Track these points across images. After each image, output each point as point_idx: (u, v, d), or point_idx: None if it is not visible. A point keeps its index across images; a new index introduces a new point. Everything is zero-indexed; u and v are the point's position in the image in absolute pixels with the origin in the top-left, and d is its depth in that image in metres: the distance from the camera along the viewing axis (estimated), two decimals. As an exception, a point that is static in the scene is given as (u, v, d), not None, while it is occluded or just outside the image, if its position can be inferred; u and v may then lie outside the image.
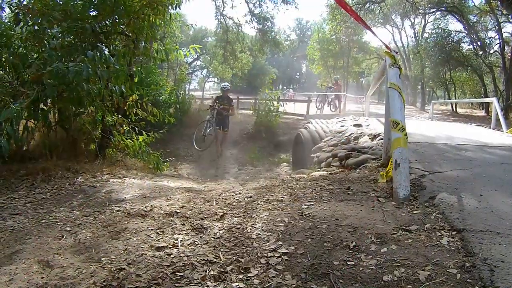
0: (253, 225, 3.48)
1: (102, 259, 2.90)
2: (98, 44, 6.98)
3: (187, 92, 24.48)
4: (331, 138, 9.36)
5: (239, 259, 2.81)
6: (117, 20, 7.67)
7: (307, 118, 18.01)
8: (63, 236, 3.46)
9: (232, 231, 3.38)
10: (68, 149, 6.81)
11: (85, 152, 7.16)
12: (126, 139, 7.54)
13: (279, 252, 2.88)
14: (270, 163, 14.91)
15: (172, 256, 2.88)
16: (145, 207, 4.33)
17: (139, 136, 7.81)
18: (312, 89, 46.66)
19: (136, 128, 7.80)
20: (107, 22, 7.62)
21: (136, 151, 7.75)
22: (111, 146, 7.55)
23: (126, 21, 7.66)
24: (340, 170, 6.36)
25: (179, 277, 2.56)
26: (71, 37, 7.04)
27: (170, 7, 8.44)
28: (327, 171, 6.43)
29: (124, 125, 7.57)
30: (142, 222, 3.82)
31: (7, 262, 2.94)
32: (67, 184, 5.40)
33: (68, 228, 3.69)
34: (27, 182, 5.38)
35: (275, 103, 18.62)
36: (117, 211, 4.23)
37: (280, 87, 64.94)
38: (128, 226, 3.67)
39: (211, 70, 45.77)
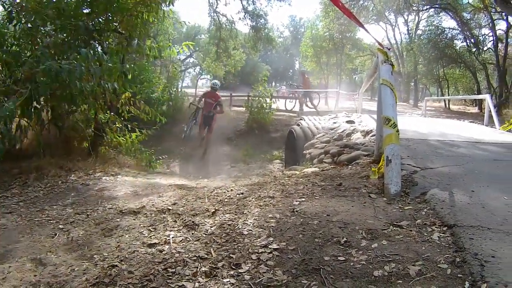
0: (244, 222, 3.50)
1: (95, 256, 2.93)
2: (91, 42, 6.97)
3: (180, 90, 24.41)
4: (323, 135, 9.38)
5: (231, 255, 2.83)
6: (110, 18, 7.67)
7: (300, 115, 18.02)
8: (56, 234, 3.48)
9: (224, 227, 3.40)
10: (61, 147, 6.81)
11: (78, 150, 7.15)
12: (119, 136, 7.55)
13: (270, 248, 2.90)
14: (262, 160, 14.92)
15: (164, 252, 2.91)
16: (138, 204, 4.35)
17: (131, 133, 7.81)
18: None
19: (129, 125, 7.81)
20: (100, 19, 7.62)
21: (128, 149, 7.76)
22: (104, 144, 7.56)
23: (120, 19, 7.67)
24: (332, 166, 6.38)
25: (170, 274, 2.58)
26: (64, 35, 7.02)
27: (163, 4, 8.43)
28: (319, 168, 6.45)
29: (117, 123, 7.58)
30: (134, 219, 3.84)
31: (0, 260, 2.96)
32: (60, 182, 5.41)
33: (61, 226, 3.71)
34: (20, 180, 5.39)
35: (267, 100, 18.61)
36: (110, 208, 4.25)
37: (273, 84, 64.85)
38: (120, 224, 3.70)
39: (204, 68, 45.61)
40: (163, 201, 4.50)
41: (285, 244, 2.97)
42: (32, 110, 6.02)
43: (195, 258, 2.79)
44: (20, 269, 2.75)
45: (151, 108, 8.25)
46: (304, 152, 9.00)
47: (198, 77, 58.24)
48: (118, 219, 3.84)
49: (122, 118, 7.75)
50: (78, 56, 6.08)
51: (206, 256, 2.83)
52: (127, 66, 7.60)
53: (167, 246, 3.04)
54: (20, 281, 2.60)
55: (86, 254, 2.98)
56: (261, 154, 15.68)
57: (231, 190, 4.94)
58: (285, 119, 19.63)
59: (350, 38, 42.16)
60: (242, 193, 4.67)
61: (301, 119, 12.95)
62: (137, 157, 7.88)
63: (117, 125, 7.57)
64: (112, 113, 7.61)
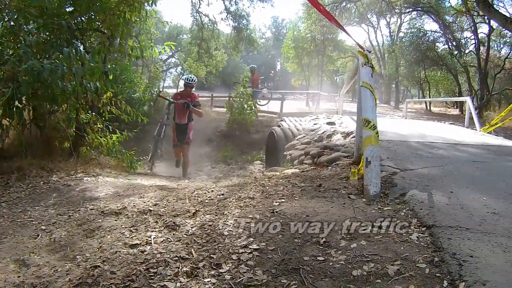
0: (225, 222, 3.55)
1: (77, 257, 2.95)
2: (73, 41, 6.95)
3: (161, 90, 24.33)
4: (304, 136, 9.44)
5: (211, 255, 2.87)
6: (92, 17, 7.66)
7: (281, 116, 18.05)
8: (38, 235, 3.49)
9: (204, 228, 3.45)
10: (43, 147, 6.77)
11: (60, 150, 7.12)
12: (100, 137, 7.54)
13: (250, 248, 2.95)
14: (243, 161, 14.94)
15: (145, 253, 2.95)
16: (119, 205, 4.37)
17: (112, 134, 7.80)
18: (286, 88, 46.74)
19: (110, 126, 7.80)
20: (82, 18, 7.60)
21: (110, 150, 7.75)
22: (85, 144, 7.53)
23: (102, 18, 7.67)
24: (312, 167, 6.44)
25: (152, 274, 2.62)
26: (47, 34, 7.00)
27: (146, 4, 8.44)
28: (299, 169, 6.50)
29: (98, 123, 7.57)
30: (116, 220, 3.86)
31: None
32: (42, 183, 5.40)
33: (43, 227, 3.71)
34: (2, 181, 5.36)
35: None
36: (91, 209, 4.26)
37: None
38: (102, 224, 3.72)
39: (185, 68, 45.44)
40: (144, 202, 4.54)
41: (265, 244, 3.01)
42: (14, 109, 5.99)
43: (176, 258, 2.83)
44: (3, 270, 2.76)
45: (132, 108, 8.23)
46: (285, 153, 9.05)
47: (179, 77, 57.95)
48: (100, 220, 3.86)
49: (103, 119, 7.74)
50: (60, 56, 6.08)
51: (187, 256, 2.88)
52: (109, 66, 7.59)
53: (148, 247, 3.08)
54: (4, 282, 2.62)
55: (68, 254, 3.00)
56: (242, 155, 15.70)
57: (212, 191, 4.98)
58: (266, 120, 19.64)
59: (332, 39, 42.23)
60: (222, 194, 4.72)
61: (282, 120, 13.00)
62: (118, 158, 7.87)
63: (99, 126, 7.56)
64: (93, 113, 7.59)
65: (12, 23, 6.61)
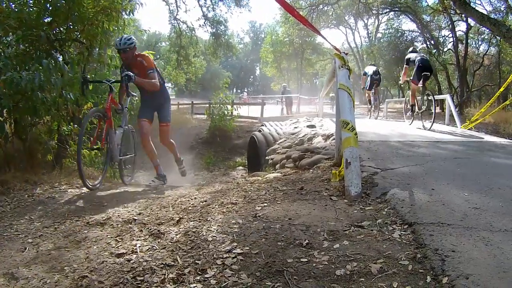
0: (208, 228, 3.60)
1: (65, 268, 2.97)
2: (52, 52, 6.96)
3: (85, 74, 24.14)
4: (285, 140, 9.54)
5: (196, 261, 2.92)
6: (71, 27, 7.66)
7: (261, 121, 18.13)
8: (25, 248, 3.49)
9: (189, 234, 3.49)
10: (26, 160, 6.75)
11: (42, 163, 7.10)
12: (82, 148, 7.53)
13: (234, 252, 3.00)
14: (226, 167, 15.01)
15: (131, 261, 2.99)
16: (104, 215, 4.40)
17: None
18: (266, 92, 46.86)
19: (91, 138, 7.79)
20: (61, 29, 7.61)
21: (92, 160, 7.75)
22: (68, 156, 7.52)
23: (80, 28, 7.68)
24: (294, 171, 6.53)
25: (139, 281, 2.66)
26: (26, 45, 7.00)
27: (124, 13, 8.45)
28: (281, 173, 6.58)
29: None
30: (101, 231, 3.88)
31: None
32: (26, 196, 5.39)
33: (30, 240, 3.71)
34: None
35: (228, 107, 18.68)
36: (77, 221, 4.26)
37: (234, 90, 64.72)
38: (88, 235, 3.74)
39: (165, 76, 45.33)
40: (129, 212, 4.56)
41: (248, 248, 3.07)
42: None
43: (162, 265, 2.88)
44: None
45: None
46: (267, 157, 9.13)
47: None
48: (86, 231, 3.88)
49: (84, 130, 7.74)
50: (39, 67, 6.09)
51: (172, 263, 2.92)
52: (88, 76, 7.60)
53: (134, 255, 3.11)
54: (-6, 295, 2.65)
55: (56, 266, 3.02)
56: (224, 161, 15.78)
57: (195, 198, 5.03)
58: (247, 125, 19.70)
59: (310, 43, 42.55)
60: (205, 201, 4.76)
61: (262, 125, 13.08)
62: (101, 169, 7.86)
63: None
64: (75, 125, 7.59)
65: (-10, 35, 6.62)
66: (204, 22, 32.25)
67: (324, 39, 6.21)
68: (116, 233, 3.76)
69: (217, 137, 17.98)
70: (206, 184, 7.81)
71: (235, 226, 3.59)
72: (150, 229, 3.77)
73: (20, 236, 3.86)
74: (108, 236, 3.68)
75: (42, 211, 4.73)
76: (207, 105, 23.28)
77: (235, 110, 19.89)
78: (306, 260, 2.82)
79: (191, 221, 3.94)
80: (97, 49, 8.37)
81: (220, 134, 18.12)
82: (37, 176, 6.29)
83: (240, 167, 14.42)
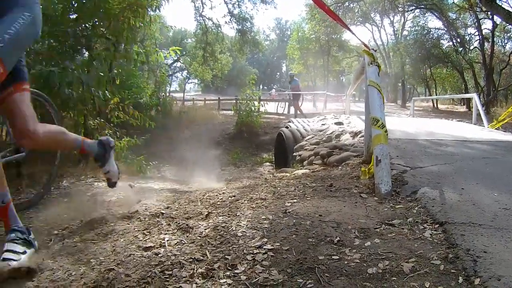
0: (238, 223, 3.53)
1: (91, 260, 2.93)
2: (79, 48, 6.97)
3: (168, 94, 24.39)
4: (312, 137, 9.43)
5: (226, 256, 2.85)
6: (97, 23, 7.66)
7: (288, 118, 18.07)
8: (51, 240, 3.49)
9: (218, 229, 3.42)
10: (52, 153, 6.78)
11: (68, 155, 7.12)
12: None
13: (264, 248, 2.93)
14: (252, 162, 14.94)
15: (159, 255, 2.92)
16: (131, 209, 4.37)
17: (121, 140, 7.80)
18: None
19: (118, 131, 7.80)
20: (87, 25, 7.61)
21: (119, 154, 7.75)
22: (94, 149, 7.53)
23: (106, 24, 7.67)
24: (322, 168, 6.43)
25: (167, 276, 2.60)
26: (52, 41, 7.01)
27: (149, 9, 8.46)
28: (309, 169, 6.49)
29: (106, 129, 7.57)
30: (128, 224, 3.85)
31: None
32: (52, 188, 5.41)
33: (55, 232, 3.70)
34: (12, 187, 5.35)
35: (256, 103, 18.64)
36: (103, 213, 4.25)
37: (261, 87, 64.88)
38: (115, 228, 3.70)
39: (191, 72, 45.56)
40: (156, 205, 4.51)
41: (279, 244, 2.99)
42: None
43: (191, 260, 2.81)
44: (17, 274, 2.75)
45: (140, 113, 8.24)
46: (294, 154, 9.04)
47: (185, 81, 58.14)
48: (113, 224, 3.85)
49: (111, 124, 7.74)
50: (67, 63, 6.08)
51: (201, 258, 2.85)
52: (115, 71, 7.59)
53: (162, 249, 3.05)
54: (18, 286, 2.61)
55: (82, 258, 2.98)
56: (251, 157, 15.73)
57: (223, 193, 4.95)
58: (274, 121, 19.69)
59: (336, 40, 42.37)
60: (234, 196, 4.70)
61: (290, 121, 12.98)
62: (127, 163, 7.87)
63: (107, 131, 7.56)
64: (101, 119, 7.60)
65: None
66: (230, 19, 32.38)
67: (352, 36, 6.11)
68: (144, 227, 3.71)
69: (244, 133, 17.96)
70: (234, 179, 7.76)
71: (265, 221, 3.51)
72: (179, 223, 3.70)
73: (45, 227, 3.84)
74: (136, 230, 3.63)
75: (68, 204, 4.76)
76: (234, 101, 23.34)
77: (262, 106, 19.92)
78: (338, 257, 2.75)
79: (220, 216, 3.87)
80: (123, 45, 8.37)
81: (247, 130, 18.12)
82: (63, 169, 6.28)
83: (267, 163, 14.35)
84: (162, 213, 4.12)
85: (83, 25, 7.59)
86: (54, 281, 2.66)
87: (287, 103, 24.72)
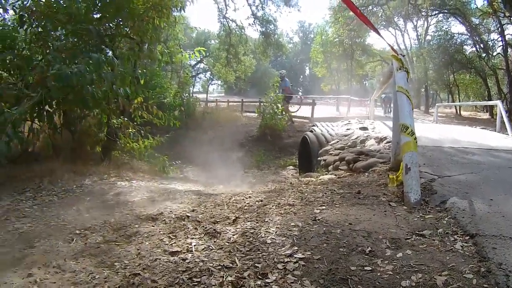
0: (267, 230, 3.43)
1: (115, 263, 2.87)
2: (102, 47, 6.95)
3: (191, 95, 24.47)
4: (337, 141, 9.32)
5: (256, 264, 2.76)
6: (121, 23, 7.67)
7: (312, 121, 17.97)
8: (73, 240, 3.43)
9: (246, 235, 3.34)
10: (74, 151, 6.78)
11: (91, 154, 7.13)
12: (132, 141, 7.53)
13: (295, 257, 2.85)
14: (276, 166, 14.87)
15: (187, 261, 2.84)
16: (155, 210, 4.30)
17: (144, 139, 7.78)
18: (316, 92, 46.82)
19: (142, 131, 7.78)
20: (111, 24, 7.62)
21: (142, 154, 7.73)
22: (117, 148, 7.53)
23: (130, 24, 7.67)
24: (349, 173, 6.33)
25: (196, 283, 2.51)
26: (75, 40, 7.00)
27: (174, 10, 8.44)
28: (335, 175, 6.39)
29: (129, 128, 7.56)
30: (153, 226, 3.79)
31: (17, 266, 2.90)
32: (74, 186, 5.37)
33: (77, 231, 3.65)
34: (34, 184, 5.33)
35: (279, 105, 18.54)
36: (127, 214, 4.20)
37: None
38: (139, 230, 3.64)
39: (214, 73, 45.76)
40: (181, 208, 4.45)
41: (310, 253, 2.91)
42: (44, 113, 5.99)
43: (220, 267, 2.73)
44: (38, 274, 2.69)
45: (163, 113, 8.23)
46: (319, 158, 8.93)
47: (209, 82, 58.39)
48: (137, 225, 3.79)
49: (135, 123, 7.73)
50: (89, 61, 6.05)
51: (231, 265, 2.77)
52: (139, 71, 7.57)
53: (190, 255, 2.97)
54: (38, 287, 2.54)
55: (106, 261, 2.92)
56: (274, 160, 15.65)
57: (249, 197, 4.88)
58: (297, 125, 19.59)
59: (359, 44, 42.19)
60: (261, 201, 4.62)
61: (314, 125, 12.89)
62: (151, 162, 7.84)
63: (130, 130, 7.54)
64: (125, 118, 7.59)
65: (40, 29, 6.62)
66: (254, 21, 32.29)
67: (378, 40, 6.00)
68: (169, 230, 3.64)
69: (267, 136, 17.77)
70: (257, 183, 7.69)
71: (294, 229, 3.41)
72: (205, 227, 3.62)
73: (67, 226, 3.80)
74: (161, 232, 3.56)
75: (90, 202, 4.71)
76: (257, 103, 23.32)
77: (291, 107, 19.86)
78: (370, 268, 2.68)
79: (248, 221, 3.78)
80: (147, 45, 8.36)
81: (271, 132, 17.89)
82: (85, 167, 6.29)
83: (291, 167, 14.22)
84: (188, 216, 4.05)
85: (107, 24, 7.61)
86: (76, 284, 2.59)
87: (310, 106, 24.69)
